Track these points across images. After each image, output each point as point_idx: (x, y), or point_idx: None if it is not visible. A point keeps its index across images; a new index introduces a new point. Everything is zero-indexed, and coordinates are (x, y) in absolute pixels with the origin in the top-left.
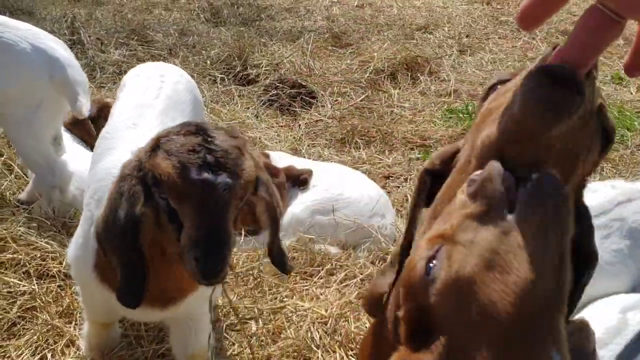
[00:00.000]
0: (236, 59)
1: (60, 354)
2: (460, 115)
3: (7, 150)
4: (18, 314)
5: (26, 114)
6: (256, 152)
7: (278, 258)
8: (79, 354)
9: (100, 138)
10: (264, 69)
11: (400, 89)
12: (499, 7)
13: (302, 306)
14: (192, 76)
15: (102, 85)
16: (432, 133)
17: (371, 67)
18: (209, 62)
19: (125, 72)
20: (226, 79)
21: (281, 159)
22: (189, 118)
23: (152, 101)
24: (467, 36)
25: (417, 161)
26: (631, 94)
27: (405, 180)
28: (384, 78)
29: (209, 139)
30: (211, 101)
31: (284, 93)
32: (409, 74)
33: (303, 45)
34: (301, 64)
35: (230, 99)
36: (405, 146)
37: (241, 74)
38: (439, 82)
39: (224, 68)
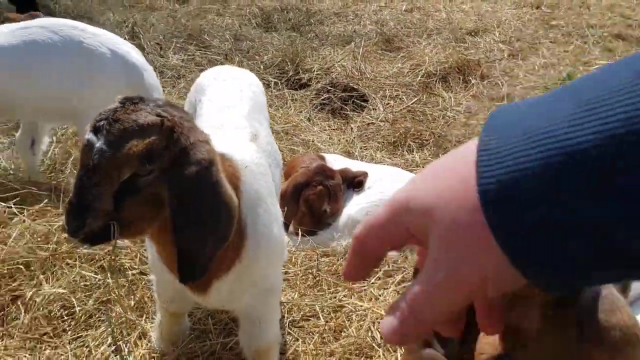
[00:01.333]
0: (289, 63)
1: (134, 345)
2: None
3: (75, 151)
4: (94, 306)
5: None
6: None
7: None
8: (150, 345)
9: None
10: (315, 73)
11: (452, 92)
12: (548, 11)
13: (361, 306)
14: None
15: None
16: None
17: (422, 71)
18: (262, 66)
19: (184, 76)
20: (279, 83)
21: (336, 161)
22: (265, 119)
23: (236, 103)
24: (517, 40)
25: None
26: None
27: None
28: (436, 81)
29: (119, 109)
30: None
31: (335, 96)
32: (461, 78)
33: (354, 49)
34: (352, 68)
35: (283, 102)
36: None
37: (294, 78)
38: (491, 86)
39: (277, 72)
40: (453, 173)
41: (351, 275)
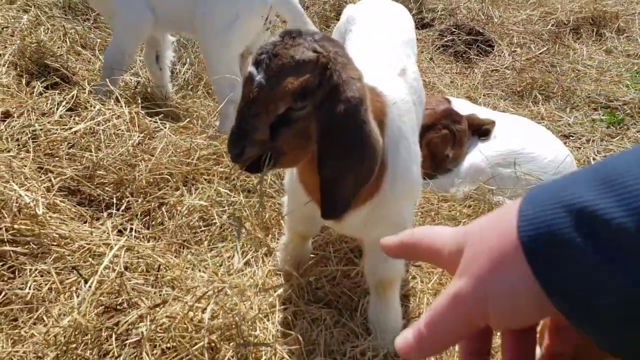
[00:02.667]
0: (412, 2)
1: (261, 261)
2: None
3: (206, 75)
4: (228, 221)
5: (225, 24)
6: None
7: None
8: (275, 263)
9: None
10: (439, 13)
11: (584, 44)
12: None
13: None
14: None
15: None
16: (621, 95)
17: (554, 20)
18: None
19: (308, 7)
20: None
21: (463, 107)
22: (413, 54)
23: (386, 36)
24: None
25: (601, 123)
26: None
27: (587, 141)
28: (567, 32)
29: (278, 44)
30: None
31: (459, 39)
32: (595, 30)
33: None
34: (479, 11)
35: None
36: (588, 106)
37: (416, 17)
38: (628, 41)
39: None
40: (493, 231)
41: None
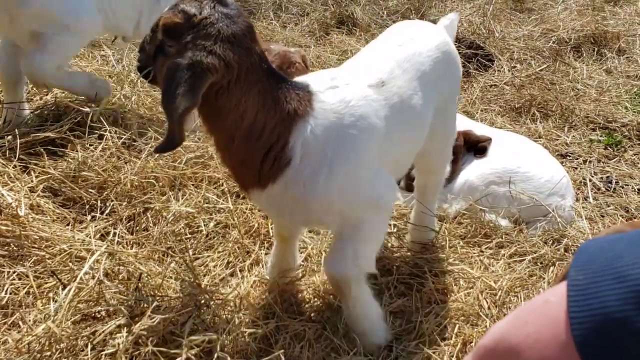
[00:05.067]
0: (413, 12)
1: (247, 271)
2: None
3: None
4: (215, 229)
5: None
6: None
7: None
8: (261, 272)
9: None
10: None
11: (585, 63)
12: None
13: (471, 273)
14: (369, 25)
15: (284, 24)
16: (619, 116)
17: (555, 37)
18: (386, 12)
19: (308, 14)
20: None
21: (460, 122)
22: (429, 90)
23: (388, 51)
24: None
25: (599, 144)
26: None
27: (584, 162)
28: (568, 50)
29: None
30: None
31: (459, 53)
32: (595, 49)
33: (483, 6)
34: (480, 25)
35: None
36: (586, 126)
37: None
38: (628, 62)
39: (400, 20)
40: (541, 315)
41: None
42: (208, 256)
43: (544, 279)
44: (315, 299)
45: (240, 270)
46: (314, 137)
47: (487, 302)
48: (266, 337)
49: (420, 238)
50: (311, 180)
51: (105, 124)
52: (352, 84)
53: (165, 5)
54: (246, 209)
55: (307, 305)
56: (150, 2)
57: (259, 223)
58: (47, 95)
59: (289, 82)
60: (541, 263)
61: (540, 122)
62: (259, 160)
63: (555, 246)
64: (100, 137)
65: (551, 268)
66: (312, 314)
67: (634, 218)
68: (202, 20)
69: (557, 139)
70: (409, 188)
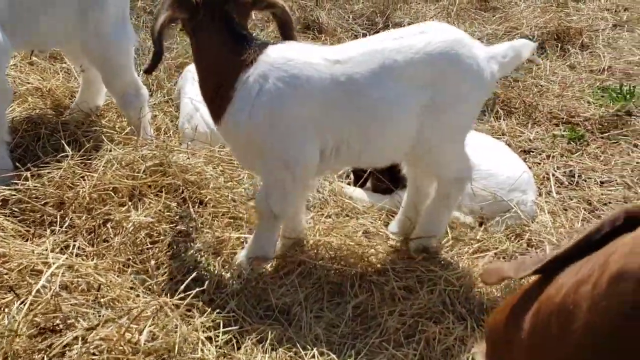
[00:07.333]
0: (378, 15)
1: (211, 276)
2: (614, 94)
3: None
4: (177, 237)
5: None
6: None
7: None
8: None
9: None
10: (425, 22)
11: (548, 60)
12: None
13: (434, 271)
14: (335, 30)
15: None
16: (582, 111)
17: (518, 35)
18: (351, 16)
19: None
20: (368, 35)
21: None
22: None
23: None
24: (625, 10)
25: (562, 139)
26: None
27: (547, 157)
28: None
29: None
30: None
31: None
32: (559, 45)
33: (447, 6)
34: None
35: None
36: (550, 121)
37: (382, 30)
38: (591, 57)
39: (366, 24)
40: None
41: None
42: (170, 265)
43: None
44: (285, 297)
45: (203, 276)
46: (250, 81)
47: (449, 299)
48: (229, 342)
49: (420, 241)
50: (239, 115)
51: (62, 139)
52: (310, 51)
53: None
54: (209, 215)
55: (273, 304)
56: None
57: (222, 228)
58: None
59: (250, 38)
60: (504, 258)
61: (503, 120)
62: (210, 96)
63: (518, 241)
64: (57, 152)
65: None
66: (279, 312)
67: (596, 211)
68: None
69: (521, 135)
70: (375, 189)
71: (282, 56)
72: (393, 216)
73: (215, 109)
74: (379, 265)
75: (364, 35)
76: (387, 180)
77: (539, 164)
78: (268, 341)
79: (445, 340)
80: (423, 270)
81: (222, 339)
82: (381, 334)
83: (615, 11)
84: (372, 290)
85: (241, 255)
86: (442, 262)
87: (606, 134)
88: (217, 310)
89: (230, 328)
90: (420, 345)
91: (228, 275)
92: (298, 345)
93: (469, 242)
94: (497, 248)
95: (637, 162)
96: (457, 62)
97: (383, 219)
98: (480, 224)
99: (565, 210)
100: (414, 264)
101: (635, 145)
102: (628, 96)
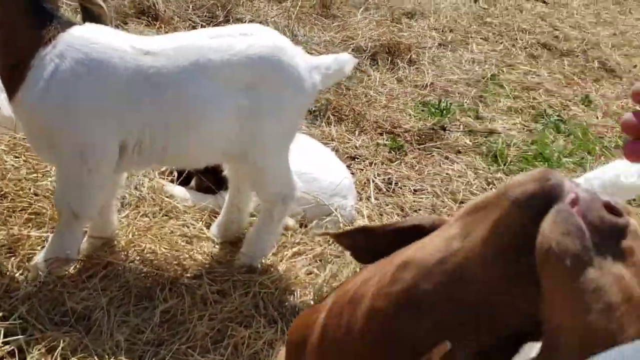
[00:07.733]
0: (220, 8)
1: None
2: (432, 109)
3: None
4: None
5: None
6: None
7: None
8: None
9: None
10: (246, 24)
11: (379, 72)
12: (485, 6)
13: (250, 273)
14: (172, 18)
15: (76, 11)
16: (404, 122)
17: (354, 44)
18: (191, 6)
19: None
20: (206, 27)
21: None
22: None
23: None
24: (450, 31)
25: (384, 147)
26: (597, 118)
27: (370, 164)
28: (365, 58)
29: None
30: None
31: None
32: (389, 59)
33: (290, 8)
34: (284, 27)
35: None
36: (375, 130)
37: (222, 25)
38: (417, 72)
39: (205, 15)
40: None
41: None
42: None
43: (320, 275)
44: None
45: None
46: (46, 60)
47: (263, 302)
48: (11, 353)
49: (245, 259)
50: (31, 96)
51: None
52: (118, 37)
53: None
54: (4, 209)
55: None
56: None
57: (20, 225)
58: None
59: (54, 14)
60: (320, 261)
61: (334, 126)
62: (7, 73)
63: (335, 244)
64: None
65: (328, 266)
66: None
67: (408, 216)
68: None
69: (349, 142)
70: (199, 187)
71: (86, 37)
72: (216, 217)
73: (11, 87)
74: (194, 269)
75: (202, 27)
76: (211, 181)
77: (362, 170)
78: (59, 350)
79: (254, 345)
80: (240, 274)
81: (4, 350)
82: (188, 339)
83: (442, 31)
84: (183, 295)
85: (39, 256)
86: (261, 266)
87: (422, 146)
88: (1, 317)
89: (13, 337)
90: (227, 351)
91: (22, 277)
92: (94, 354)
93: (290, 246)
94: (312, 250)
95: (447, 174)
96: (279, 69)
97: (205, 219)
98: (301, 226)
99: (381, 215)
100: (232, 268)
101: (447, 158)
102: (444, 112)
